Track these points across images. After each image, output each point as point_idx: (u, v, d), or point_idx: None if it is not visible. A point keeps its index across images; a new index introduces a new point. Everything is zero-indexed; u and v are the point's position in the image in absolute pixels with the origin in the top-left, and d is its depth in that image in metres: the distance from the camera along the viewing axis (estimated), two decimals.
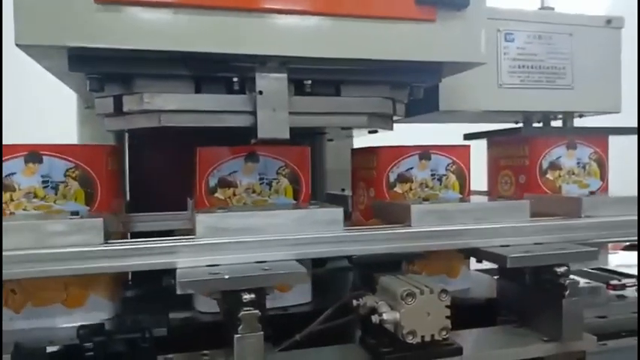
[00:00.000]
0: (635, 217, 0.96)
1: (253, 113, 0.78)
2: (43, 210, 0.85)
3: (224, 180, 0.94)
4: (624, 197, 1.02)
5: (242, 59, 0.76)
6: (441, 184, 1.05)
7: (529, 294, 0.90)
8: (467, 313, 0.98)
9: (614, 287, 1.12)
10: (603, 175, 1.17)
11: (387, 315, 0.74)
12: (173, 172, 1.09)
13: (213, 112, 0.79)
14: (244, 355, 0.67)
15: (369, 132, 1.04)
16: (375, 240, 0.82)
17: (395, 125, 1.00)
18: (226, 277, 0.69)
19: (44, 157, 0.84)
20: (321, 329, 0.80)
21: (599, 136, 1.17)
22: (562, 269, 0.83)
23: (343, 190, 1.41)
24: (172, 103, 0.77)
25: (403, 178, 1.03)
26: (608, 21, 1.14)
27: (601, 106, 1.16)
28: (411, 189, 1.03)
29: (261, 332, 0.68)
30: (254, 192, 0.96)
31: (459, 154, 1.06)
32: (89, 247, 0.71)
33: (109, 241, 0.73)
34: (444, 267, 1.05)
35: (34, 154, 0.84)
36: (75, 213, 0.77)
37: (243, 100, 0.79)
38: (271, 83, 0.78)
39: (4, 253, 0.67)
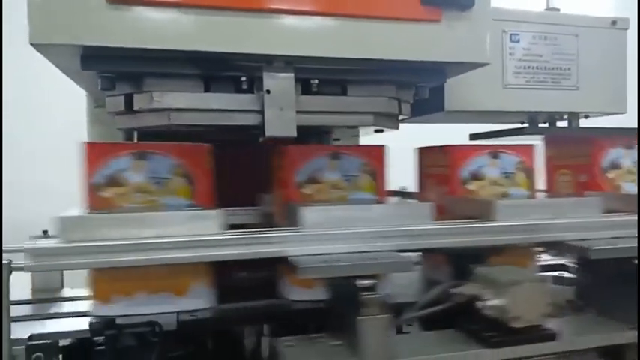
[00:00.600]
0: None
1: (261, 112, 0.80)
2: (149, 204, 0.90)
3: (311, 177, 0.98)
4: None
5: (249, 59, 0.77)
6: (510, 182, 1.08)
7: (610, 285, 0.95)
8: None
9: None
10: None
11: (493, 302, 0.81)
12: None
13: (221, 111, 0.80)
14: (369, 337, 0.74)
15: (376, 131, 1.06)
16: (466, 233, 0.86)
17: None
18: (345, 263, 0.74)
19: (151, 156, 0.91)
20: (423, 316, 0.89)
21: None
22: None
23: (404, 188, 1.41)
24: (181, 102, 0.78)
25: (476, 176, 1.06)
26: (614, 22, 1.15)
27: (606, 106, 1.17)
28: (482, 187, 1.07)
29: (387, 315, 0.75)
30: (336, 188, 0.99)
31: (526, 153, 1.09)
32: (209, 235, 0.76)
33: (227, 231, 0.78)
34: (516, 260, 1.05)
35: (142, 152, 0.90)
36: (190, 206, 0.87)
37: (251, 99, 0.80)
38: (278, 82, 0.79)
39: (123, 241, 0.72)
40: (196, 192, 0.92)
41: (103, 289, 0.87)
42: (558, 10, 1.18)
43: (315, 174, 0.98)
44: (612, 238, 0.91)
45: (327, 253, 0.78)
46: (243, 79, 0.79)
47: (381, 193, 1.01)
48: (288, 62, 0.79)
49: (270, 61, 0.78)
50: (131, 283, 0.87)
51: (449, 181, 1.07)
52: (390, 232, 0.82)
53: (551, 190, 1.27)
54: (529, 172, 1.09)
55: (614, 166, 1.16)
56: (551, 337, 0.85)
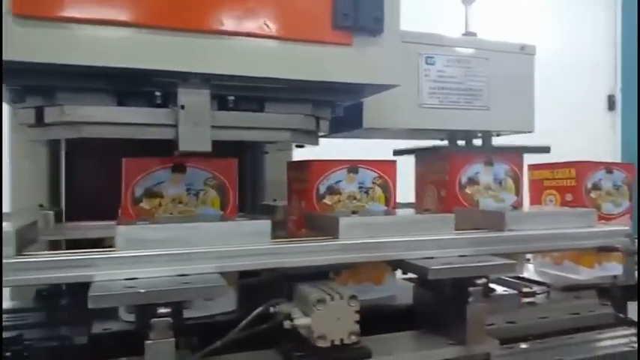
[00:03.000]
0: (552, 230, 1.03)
1: (176, 126, 0.81)
2: (185, 214, 0.96)
3: (150, 190, 0.96)
4: (543, 212, 1.13)
5: (164, 75, 0.79)
6: (367, 197, 1.11)
7: (439, 301, 0.95)
8: (389, 319, 1.05)
9: (525, 294, 1.20)
10: (518, 191, 1.26)
11: (299, 320, 0.77)
12: (110, 180, 1.10)
13: (134, 125, 0.81)
14: None
15: (296, 146, 1.09)
16: (301, 252, 0.83)
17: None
18: (142, 290, 0.68)
19: (187, 168, 0.96)
20: (247, 336, 0.82)
21: (515, 154, 1.26)
22: (482, 281, 0.87)
23: (275, 200, 1.45)
24: (93, 115, 0.79)
25: (332, 191, 1.08)
26: (522, 47, 1.23)
27: (515, 125, 1.25)
28: (339, 201, 1.08)
29: (173, 338, 0.69)
30: (180, 202, 0.98)
31: (385, 168, 1.12)
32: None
33: (23, 254, 0.72)
34: (370, 275, 1.11)
35: (179, 165, 0.96)
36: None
37: (166, 113, 0.82)
38: (193, 98, 0.81)
39: None
40: (227, 203, 1.00)
41: None
42: (475, 34, 1.26)
43: (156, 187, 0.96)
44: (459, 256, 0.91)
45: (137, 278, 0.73)
46: (158, 94, 0.81)
47: (230, 210, 1.00)
48: (204, 79, 0.81)
49: (185, 78, 0.80)
50: None
51: (307, 196, 1.07)
52: (214, 253, 0.78)
53: (419, 206, 1.33)
54: (387, 187, 1.11)
55: (473, 182, 1.21)
56: (365, 355, 0.81)
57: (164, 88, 0.81)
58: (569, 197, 1.32)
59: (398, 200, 1.39)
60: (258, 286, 1.19)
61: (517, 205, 1.25)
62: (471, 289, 0.87)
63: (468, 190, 1.21)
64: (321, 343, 0.77)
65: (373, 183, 1.10)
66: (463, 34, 1.25)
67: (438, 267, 0.85)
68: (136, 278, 0.73)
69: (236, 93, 0.86)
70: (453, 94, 1.17)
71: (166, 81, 0.80)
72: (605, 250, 1.30)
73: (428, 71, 1.15)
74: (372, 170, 1.10)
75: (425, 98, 1.15)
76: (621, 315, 1.22)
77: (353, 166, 1.09)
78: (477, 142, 1.32)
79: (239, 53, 0.80)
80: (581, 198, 1.31)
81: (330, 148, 1.21)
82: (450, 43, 1.17)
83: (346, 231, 0.88)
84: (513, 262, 0.91)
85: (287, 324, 0.78)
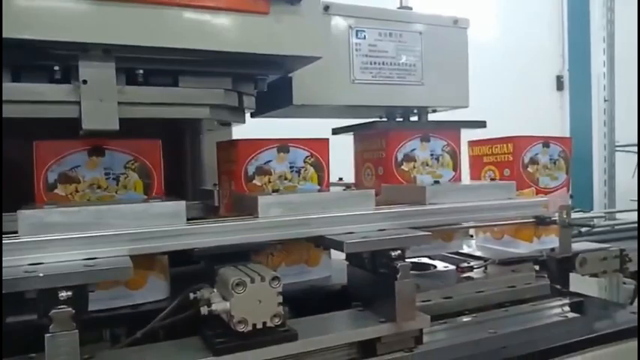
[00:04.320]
0: (470, 203, 1.03)
1: (79, 103, 0.76)
2: (105, 200, 0.90)
3: (65, 175, 0.90)
4: (465, 185, 1.12)
5: (62, 47, 0.73)
6: (299, 177, 1.07)
7: (370, 279, 0.92)
8: (324, 299, 1.03)
9: (463, 270, 1.20)
10: (455, 166, 1.26)
11: (217, 305, 0.73)
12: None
13: (33, 103, 0.75)
14: (57, 355, 0.64)
15: (221, 124, 1.04)
16: (217, 232, 0.80)
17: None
18: (41, 274, 0.65)
19: (106, 151, 0.91)
20: (171, 325, 0.78)
21: (452, 129, 1.25)
22: (396, 253, 0.85)
23: (215, 185, 1.40)
24: None
25: (261, 171, 1.04)
26: (455, 21, 1.22)
27: (450, 101, 1.24)
28: (269, 181, 1.05)
29: (76, 330, 0.65)
30: (99, 187, 0.92)
31: (317, 146, 1.08)
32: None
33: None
34: (304, 256, 1.08)
35: (97, 148, 0.90)
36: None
37: (68, 89, 0.77)
38: (96, 72, 0.76)
39: None
40: (151, 187, 0.94)
41: None
42: (411, 8, 1.24)
43: (72, 172, 0.91)
44: (378, 230, 0.90)
45: (41, 263, 0.69)
46: (57, 68, 0.75)
47: (156, 192, 0.95)
48: (105, 51, 0.76)
49: (85, 50, 0.75)
50: None
51: (235, 177, 1.04)
52: (123, 235, 0.74)
53: (359, 184, 1.32)
54: (320, 166, 1.08)
55: (409, 158, 1.20)
56: (292, 337, 0.79)
57: (64, 61, 0.75)
58: (507, 172, 1.33)
59: (345, 180, 1.38)
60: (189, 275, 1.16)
61: (456, 181, 1.25)
62: (398, 264, 0.84)
63: (404, 167, 1.20)
64: (241, 328, 0.74)
65: (305, 162, 1.07)
66: (398, 8, 1.23)
67: (354, 241, 0.84)
68: (41, 263, 0.69)
69: (146, 66, 0.80)
70: (386, 70, 1.15)
71: (65, 54, 0.74)
72: (543, 224, 1.33)
73: (359, 45, 1.12)
74: (303, 149, 1.07)
75: (357, 74, 1.12)
76: (557, 286, 1.23)
77: (283, 145, 1.05)
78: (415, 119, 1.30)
79: (143, 22, 0.75)
80: (518, 172, 1.31)
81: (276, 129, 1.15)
82: (381, 16, 1.14)
83: (265, 210, 0.86)
84: (428, 233, 0.89)
85: (204, 310, 0.74)
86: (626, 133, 2.79)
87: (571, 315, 1.08)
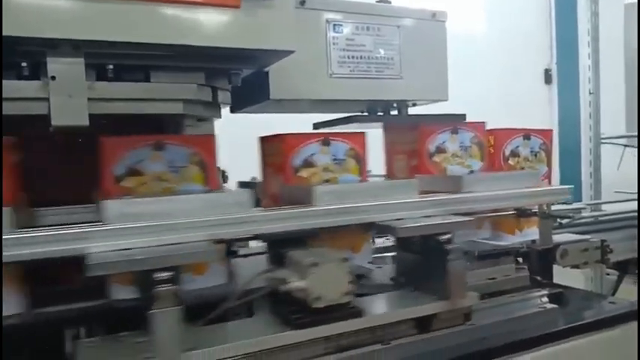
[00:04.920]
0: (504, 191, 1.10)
1: (49, 100, 0.75)
2: (169, 191, 0.94)
3: (131, 169, 0.92)
4: (495, 174, 1.20)
5: (29, 42, 0.72)
6: (341, 168, 1.10)
7: (419, 261, 1.02)
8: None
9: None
10: (483, 157, 1.29)
11: (295, 283, 0.82)
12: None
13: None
14: (162, 330, 0.72)
15: (198, 120, 1.04)
16: (281, 219, 0.86)
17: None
18: (138, 257, 0.71)
19: (167, 145, 0.94)
20: (239, 306, 0.87)
21: (480, 122, 1.29)
22: (446, 237, 0.94)
23: (255, 178, 1.40)
24: None
25: (306, 164, 1.07)
26: (433, 14, 1.22)
27: (429, 94, 1.24)
28: (315, 173, 1.07)
29: (178, 306, 0.72)
30: (162, 180, 0.95)
31: (357, 140, 1.11)
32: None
33: (19, 230, 0.72)
34: (348, 243, 1.10)
35: (158, 142, 0.93)
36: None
37: (37, 86, 0.76)
38: (65, 68, 0.75)
39: None
40: (208, 178, 0.97)
41: None
42: (389, 2, 1.23)
43: (137, 165, 0.93)
44: (425, 216, 0.97)
45: (130, 248, 0.74)
46: (24, 64, 0.75)
47: (212, 184, 0.99)
48: (74, 47, 0.75)
49: (53, 46, 0.74)
50: None
51: (282, 170, 1.08)
52: (200, 222, 0.80)
53: (390, 175, 1.34)
54: (359, 159, 1.13)
55: (440, 150, 1.24)
56: (357, 313, 0.88)
57: (31, 57, 0.75)
58: (413, 162, 1.29)
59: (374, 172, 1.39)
60: None
61: (483, 171, 1.28)
62: (449, 247, 0.94)
63: (436, 159, 1.23)
64: (316, 304, 0.82)
65: (346, 155, 1.10)
66: (377, 1, 1.23)
67: (405, 226, 0.91)
68: (129, 249, 0.74)
69: (116, 62, 0.80)
70: (364, 64, 1.14)
71: (32, 49, 0.74)
72: (524, 215, 1.33)
73: (336, 39, 1.11)
74: (344, 142, 1.10)
75: (335, 68, 1.12)
76: (538, 278, 1.24)
77: (326, 139, 1.08)
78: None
79: (112, 18, 0.74)
80: (499, 165, 1.32)
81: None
82: (358, 10, 1.13)
83: (321, 198, 0.92)
84: (472, 219, 0.99)
85: (283, 288, 0.82)
86: (611, 126, 2.80)
87: (550, 306, 1.08)
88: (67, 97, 0.75)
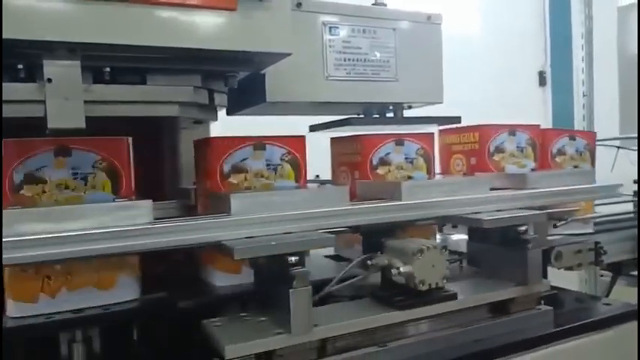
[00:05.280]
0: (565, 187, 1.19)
1: (45, 102, 0.75)
2: (75, 200, 0.90)
3: (31, 176, 0.89)
4: (558, 172, 1.28)
5: (26, 45, 0.72)
6: (276, 174, 1.08)
7: (497, 250, 1.10)
8: None
9: None
10: (536, 157, 1.37)
11: (403, 268, 0.89)
12: None
13: None
14: (298, 307, 0.80)
15: (194, 122, 1.04)
16: (374, 212, 0.95)
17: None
18: (273, 243, 0.80)
19: (73, 150, 0.90)
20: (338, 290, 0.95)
21: (535, 125, 1.38)
22: (524, 228, 1.03)
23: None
24: None
25: (237, 169, 1.04)
26: (429, 17, 1.22)
27: (425, 97, 1.24)
28: (245, 179, 1.05)
29: (310, 286, 0.81)
30: (67, 187, 0.91)
31: (294, 144, 1.08)
32: (141, 225, 0.77)
33: (157, 220, 0.80)
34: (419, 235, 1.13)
35: (62, 147, 0.90)
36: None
37: (33, 88, 0.76)
38: (61, 71, 0.75)
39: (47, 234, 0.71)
40: (119, 186, 0.94)
41: (22, 288, 0.85)
42: (385, 4, 1.24)
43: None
44: (497, 210, 1.05)
45: (254, 236, 0.83)
46: (20, 67, 0.74)
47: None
48: (70, 49, 0.75)
49: (49, 48, 0.74)
50: (53, 280, 0.87)
51: (360, 167, 1.16)
52: (311, 213, 0.89)
53: (446, 173, 1.41)
54: (296, 163, 1.11)
55: (499, 150, 1.32)
56: (453, 297, 0.95)
57: (27, 60, 0.75)
58: (473, 161, 1.33)
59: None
60: None
61: (537, 169, 1.36)
62: (528, 236, 1.03)
63: (495, 158, 1.32)
64: (422, 287, 0.89)
65: (282, 160, 1.08)
66: (373, 4, 1.23)
67: (491, 218, 0.99)
68: (253, 237, 0.83)
69: (112, 64, 0.80)
70: (360, 66, 1.15)
71: (28, 52, 0.74)
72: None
73: (332, 42, 1.12)
74: (280, 146, 1.07)
75: (331, 70, 1.12)
76: None
77: (259, 143, 1.05)
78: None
79: (108, 20, 0.74)
80: (484, 161, 1.32)
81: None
82: (354, 13, 1.14)
83: (408, 193, 0.99)
84: (544, 212, 1.08)
85: (393, 272, 0.89)
86: (605, 128, 2.82)
87: (544, 308, 1.08)
88: (64, 100, 0.75)
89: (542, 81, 3.91)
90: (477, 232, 1.14)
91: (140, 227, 0.77)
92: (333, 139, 1.27)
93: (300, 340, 0.82)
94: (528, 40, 3.86)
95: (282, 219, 0.86)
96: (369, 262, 0.95)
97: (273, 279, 0.85)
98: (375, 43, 1.16)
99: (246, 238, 0.82)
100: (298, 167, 1.08)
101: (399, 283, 0.92)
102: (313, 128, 1.35)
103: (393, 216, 0.96)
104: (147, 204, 0.81)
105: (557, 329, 1.02)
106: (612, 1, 2.61)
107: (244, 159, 1.04)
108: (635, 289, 1.63)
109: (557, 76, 3.77)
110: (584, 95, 2.80)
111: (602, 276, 2.08)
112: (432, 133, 1.22)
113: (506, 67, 3.63)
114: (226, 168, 1.03)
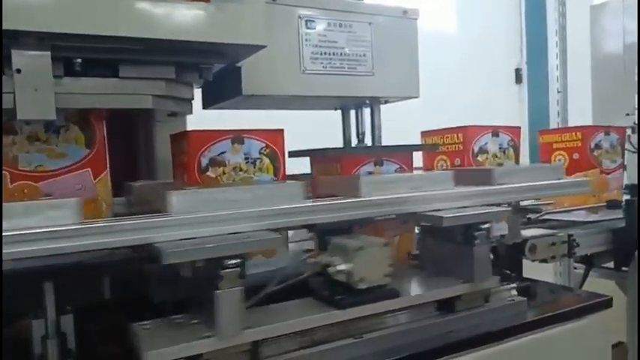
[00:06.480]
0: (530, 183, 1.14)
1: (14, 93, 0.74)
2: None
3: (214, 160, 1.01)
4: (526, 167, 1.30)
5: None
6: (255, 168, 1.07)
7: (445, 246, 1.06)
8: None
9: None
10: (517, 159, 1.42)
11: (342, 266, 0.86)
12: None
13: None
14: (225, 308, 0.75)
15: (168, 115, 1.03)
16: (331, 210, 0.89)
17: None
18: (210, 245, 0.73)
19: (245, 139, 1.04)
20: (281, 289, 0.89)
21: (515, 127, 1.45)
22: (486, 226, 1.00)
23: None
24: None
25: (215, 163, 1.03)
26: (405, 12, 1.23)
27: (401, 91, 1.25)
28: (224, 173, 1.04)
29: (242, 287, 0.76)
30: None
31: (273, 137, 1.08)
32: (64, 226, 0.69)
33: (85, 221, 0.72)
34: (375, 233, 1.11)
35: (238, 136, 1.04)
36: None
37: (3, 79, 0.74)
38: (30, 61, 0.74)
39: None
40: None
41: None
42: None
43: (218, 158, 1.02)
44: (459, 207, 1.00)
45: (193, 238, 0.76)
46: None
47: (281, 175, 1.08)
48: (40, 39, 0.74)
49: (17, 38, 0.72)
50: None
51: (188, 169, 1.04)
52: (257, 212, 0.82)
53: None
54: (275, 157, 1.10)
55: (483, 150, 1.37)
56: (394, 294, 0.92)
57: None
58: (457, 161, 1.35)
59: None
60: None
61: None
62: (476, 232, 0.98)
63: (479, 158, 1.35)
64: (361, 285, 0.86)
65: (260, 153, 1.07)
66: None
67: (450, 215, 0.94)
68: (194, 238, 0.76)
69: (84, 55, 0.79)
70: (337, 60, 1.15)
71: None
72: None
73: (309, 35, 1.12)
74: (258, 140, 1.07)
75: (307, 64, 1.12)
76: (507, 272, 1.26)
77: (238, 137, 1.05)
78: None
79: (79, 10, 0.73)
80: (468, 161, 1.34)
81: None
82: (330, 6, 1.14)
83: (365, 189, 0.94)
84: (507, 209, 1.09)
85: (331, 270, 0.86)
86: (578, 124, 2.87)
87: (518, 299, 1.10)
88: (33, 91, 0.74)
89: (518, 78, 3.97)
90: (427, 228, 1.11)
91: (61, 229, 0.68)
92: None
93: (228, 344, 0.77)
94: (504, 38, 3.91)
95: (223, 218, 0.78)
96: (309, 260, 0.93)
97: (204, 279, 0.79)
98: (351, 37, 1.16)
99: (181, 240, 0.75)
100: (277, 161, 1.08)
101: (340, 281, 0.88)
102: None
103: (349, 214, 0.90)
104: (73, 203, 0.72)
105: (532, 319, 1.04)
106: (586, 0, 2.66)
107: (222, 152, 1.04)
108: (608, 281, 1.67)
109: (533, 73, 3.83)
110: (558, 92, 2.85)
111: (575, 269, 2.12)
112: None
113: (482, 64, 3.67)
114: (204, 162, 1.03)
